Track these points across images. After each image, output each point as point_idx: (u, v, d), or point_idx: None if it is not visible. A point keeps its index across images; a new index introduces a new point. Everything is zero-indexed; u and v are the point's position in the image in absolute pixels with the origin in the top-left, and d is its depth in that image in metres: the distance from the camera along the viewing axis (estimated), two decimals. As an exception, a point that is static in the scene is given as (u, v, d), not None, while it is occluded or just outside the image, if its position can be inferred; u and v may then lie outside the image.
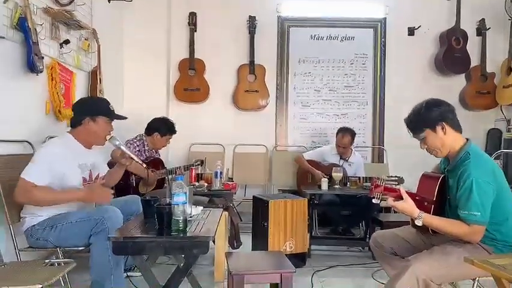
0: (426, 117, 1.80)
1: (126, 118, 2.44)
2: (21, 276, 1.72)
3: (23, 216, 2.15)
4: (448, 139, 1.80)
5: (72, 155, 2.18)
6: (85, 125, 2.23)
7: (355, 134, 3.81)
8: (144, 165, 2.34)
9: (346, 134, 3.74)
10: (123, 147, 2.24)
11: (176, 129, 3.35)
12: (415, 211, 1.73)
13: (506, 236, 1.75)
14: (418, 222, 1.72)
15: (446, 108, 1.81)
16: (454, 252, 1.71)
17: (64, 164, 2.11)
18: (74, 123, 2.27)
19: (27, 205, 2.14)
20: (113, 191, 2.19)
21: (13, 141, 2.43)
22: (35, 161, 2.06)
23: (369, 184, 3.38)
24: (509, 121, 4.41)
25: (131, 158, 2.26)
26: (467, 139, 1.84)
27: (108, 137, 2.27)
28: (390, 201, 1.75)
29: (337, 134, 3.80)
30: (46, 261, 1.89)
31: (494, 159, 3.40)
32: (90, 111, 2.24)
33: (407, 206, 1.73)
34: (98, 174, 2.37)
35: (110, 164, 2.60)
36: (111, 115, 2.27)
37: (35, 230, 2.10)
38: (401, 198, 1.74)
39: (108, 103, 2.33)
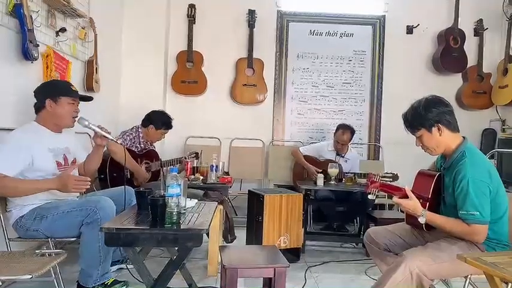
0: (423, 117, 1.79)
1: (91, 98, 2.38)
2: (11, 266, 1.69)
3: (9, 210, 2.10)
4: (443, 140, 1.80)
5: (39, 139, 2.09)
6: (47, 107, 2.15)
7: (354, 131, 3.81)
8: (119, 142, 2.27)
9: (346, 130, 3.72)
10: (93, 127, 2.15)
11: (173, 124, 3.30)
12: (419, 209, 1.74)
13: (499, 234, 1.76)
14: (422, 220, 1.74)
15: (444, 109, 1.79)
16: (448, 249, 1.72)
17: (31, 148, 2.02)
18: (37, 109, 2.19)
19: (10, 198, 2.08)
20: (89, 179, 2.06)
21: (6, 130, 2.39)
22: (0, 150, 1.97)
23: (364, 181, 3.39)
24: (504, 121, 4.43)
25: (104, 136, 2.18)
26: (463, 137, 1.84)
27: (76, 119, 2.20)
28: (396, 199, 1.77)
29: (337, 130, 3.79)
30: (37, 251, 1.88)
31: (489, 158, 3.42)
32: (51, 93, 2.16)
33: (412, 204, 1.75)
34: (75, 159, 2.31)
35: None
36: (72, 94, 2.19)
37: (24, 221, 2.06)
38: (407, 197, 1.76)
39: (69, 84, 2.25)
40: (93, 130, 2.17)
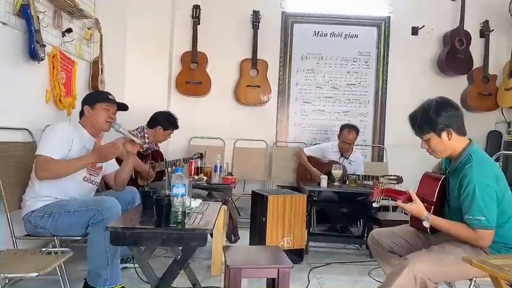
0: (433, 121, 1.74)
1: (126, 106, 2.49)
2: (17, 264, 1.71)
3: (24, 199, 2.18)
4: (451, 143, 1.77)
5: (79, 137, 2.28)
6: (86, 113, 2.35)
7: (359, 131, 3.80)
8: (145, 146, 2.41)
9: (352, 130, 3.71)
10: (123, 130, 2.33)
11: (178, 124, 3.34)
12: (423, 213, 1.74)
13: (505, 238, 1.75)
14: (426, 224, 1.73)
15: (455, 113, 1.76)
16: (452, 251, 1.71)
17: (72, 141, 2.20)
18: (80, 114, 2.43)
19: (28, 188, 2.18)
20: (121, 146, 2.23)
21: (12, 129, 2.42)
22: (46, 138, 2.17)
23: (369, 183, 3.38)
24: (510, 123, 4.40)
25: (132, 140, 2.32)
26: (469, 140, 1.82)
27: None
28: (400, 203, 1.77)
29: (342, 129, 3.77)
30: (43, 249, 1.89)
31: (494, 161, 3.40)
32: (89, 100, 2.38)
33: (416, 207, 1.75)
34: (102, 166, 2.38)
35: None
36: (107, 100, 2.35)
37: (34, 216, 2.10)
38: (411, 200, 1.76)
39: (107, 93, 2.43)
40: (123, 134, 2.34)
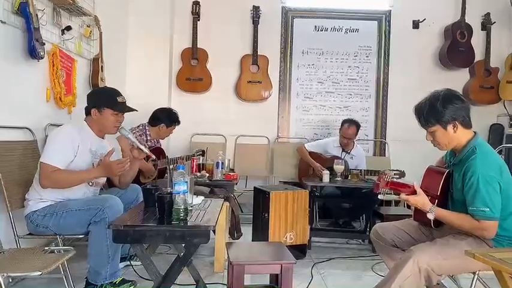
0: (440, 113, 1.72)
1: (135, 110, 2.41)
2: (20, 263, 1.72)
3: (27, 199, 2.17)
4: (456, 136, 1.76)
5: (84, 139, 2.23)
6: (92, 115, 2.27)
7: (360, 126, 3.79)
8: (153, 156, 2.37)
9: (351, 125, 3.71)
10: (132, 138, 2.27)
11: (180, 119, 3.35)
12: (428, 205, 1.74)
13: (508, 231, 1.74)
14: (431, 216, 1.72)
15: (461, 106, 1.74)
16: (456, 244, 1.71)
17: (77, 145, 2.16)
18: (86, 112, 2.34)
19: (32, 189, 2.17)
20: (128, 163, 2.20)
21: (13, 128, 2.42)
22: (51, 144, 2.11)
23: (371, 178, 3.38)
24: (512, 116, 4.39)
25: (139, 148, 2.27)
26: (474, 132, 1.81)
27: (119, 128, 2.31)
28: (403, 196, 1.76)
29: (342, 124, 3.77)
30: (45, 248, 1.90)
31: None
32: (97, 102, 2.27)
33: (420, 199, 1.75)
34: None
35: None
36: (116, 107, 2.26)
37: (36, 216, 2.10)
38: (415, 193, 1.75)
39: (116, 94, 2.29)
40: (131, 141, 2.28)
